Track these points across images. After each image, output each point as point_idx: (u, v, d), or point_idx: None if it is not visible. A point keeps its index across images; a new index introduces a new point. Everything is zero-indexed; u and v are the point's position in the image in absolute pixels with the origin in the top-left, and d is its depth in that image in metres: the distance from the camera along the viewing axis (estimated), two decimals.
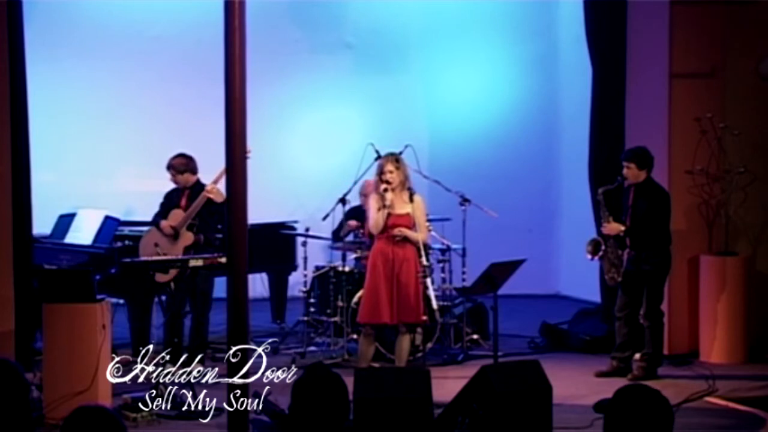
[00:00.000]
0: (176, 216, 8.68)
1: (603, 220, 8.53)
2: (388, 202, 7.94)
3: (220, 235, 8.87)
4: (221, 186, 8.47)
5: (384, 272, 7.98)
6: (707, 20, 9.29)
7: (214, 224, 8.70)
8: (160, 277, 8.16)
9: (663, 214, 8.44)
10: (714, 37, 9.31)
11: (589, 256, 8.54)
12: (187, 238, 8.60)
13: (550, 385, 6.65)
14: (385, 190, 7.95)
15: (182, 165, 8.78)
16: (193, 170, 8.82)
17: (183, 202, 8.75)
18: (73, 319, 7.20)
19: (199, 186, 8.73)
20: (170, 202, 8.84)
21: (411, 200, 8.05)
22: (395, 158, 8.09)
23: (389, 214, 7.96)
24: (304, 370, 4.14)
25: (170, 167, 8.82)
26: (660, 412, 3.60)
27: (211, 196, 8.48)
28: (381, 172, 8.03)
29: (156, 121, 12.00)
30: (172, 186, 8.90)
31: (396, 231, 7.98)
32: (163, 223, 8.68)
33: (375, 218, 8.02)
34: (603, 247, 8.45)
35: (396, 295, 7.93)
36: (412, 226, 8.07)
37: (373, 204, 8.07)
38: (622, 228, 8.39)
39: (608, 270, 8.49)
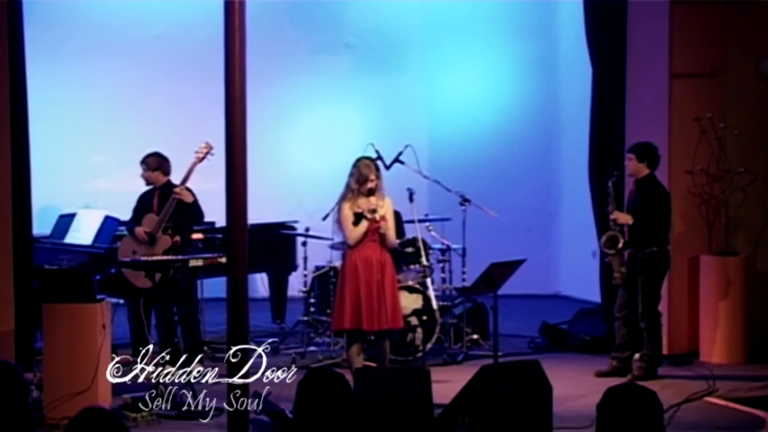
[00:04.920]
0: (150, 221, 8.61)
1: (610, 212, 8.41)
2: (378, 216, 7.76)
3: (197, 236, 8.88)
4: (191, 185, 8.52)
5: (365, 278, 7.73)
6: (707, 20, 9.29)
7: (188, 224, 8.69)
8: (143, 283, 8.04)
9: (658, 211, 8.38)
10: (714, 37, 9.31)
11: (609, 251, 8.35)
12: (165, 241, 8.54)
13: (550, 385, 6.65)
14: (374, 210, 7.70)
15: (155, 162, 8.74)
16: (165, 171, 8.77)
17: (155, 204, 8.68)
18: (73, 319, 7.21)
19: (169, 187, 8.68)
20: (143, 206, 8.77)
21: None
22: (376, 166, 7.87)
23: (365, 219, 7.77)
24: (308, 371, 4.13)
25: (144, 162, 8.77)
26: (650, 410, 3.60)
27: (180, 197, 8.45)
28: (364, 181, 7.75)
29: (156, 121, 11.99)
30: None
31: (378, 217, 7.69)
32: (138, 230, 8.60)
33: (357, 231, 7.72)
34: (623, 240, 8.29)
35: (377, 301, 7.71)
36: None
37: (349, 215, 7.75)
38: (631, 220, 8.32)
39: (618, 268, 8.39)
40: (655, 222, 8.36)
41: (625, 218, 8.32)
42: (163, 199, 8.59)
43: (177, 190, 8.47)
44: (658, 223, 8.38)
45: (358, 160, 7.87)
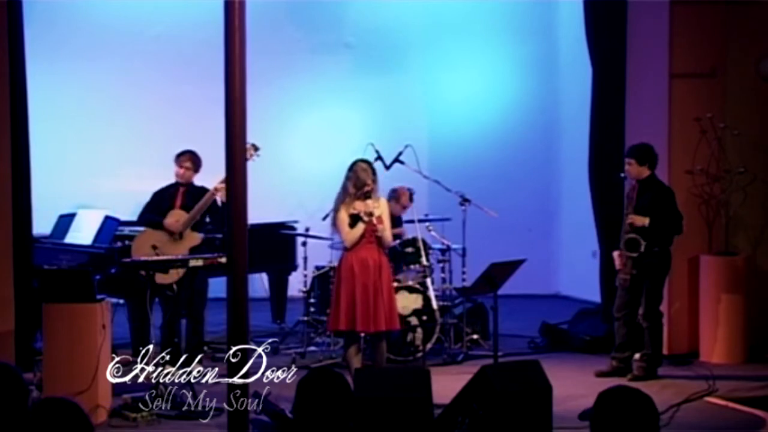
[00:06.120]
0: (177, 217, 8.58)
1: (627, 215, 8.39)
2: (375, 219, 7.75)
3: (210, 235, 8.88)
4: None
5: (362, 279, 7.70)
6: (707, 20, 9.30)
7: (207, 224, 8.66)
8: (163, 279, 8.03)
9: (666, 208, 8.37)
10: (714, 37, 9.31)
11: (632, 254, 8.28)
12: (194, 238, 8.50)
13: (550, 385, 6.66)
14: (371, 213, 7.67)
15: (196, 161, 8.70)
16: (199, 170, 8.78)
17: (178, 202, 8.65)
18: (73, 319, 7.21)
19: (193, 187, 8.67)
20: (162, 202, 8.70)
21: None
22: (373, 170, 7.83)
23: (362, 221, 7.72)
24: (309, 370, 4.14)
25: (187, 159, 8.68)
26: (644, 411, 3.59)
27: (220, 194, 8.40)
28: (361, 186, 7.70)
29: (156, 121, 12.00)
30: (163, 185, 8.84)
31: (375, 220, 7.69)
32: (170, 222, 8.52)
33: (354, 234, 7.69)
34: (644, 243, 8.24)
35: (373, 303, 7.68)
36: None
37: (345, 218, 7.74)
38: (647, 221, 8.32)
39: (630, 270, 8.35)
40: (666, 220, 8.33)
41: (641, 220, 8.30)
42: (189, 197, 8.55)
43: (218, 185, 8.35)
44: (671, 220, 8.35)
45: (355, 163, 7.84)
